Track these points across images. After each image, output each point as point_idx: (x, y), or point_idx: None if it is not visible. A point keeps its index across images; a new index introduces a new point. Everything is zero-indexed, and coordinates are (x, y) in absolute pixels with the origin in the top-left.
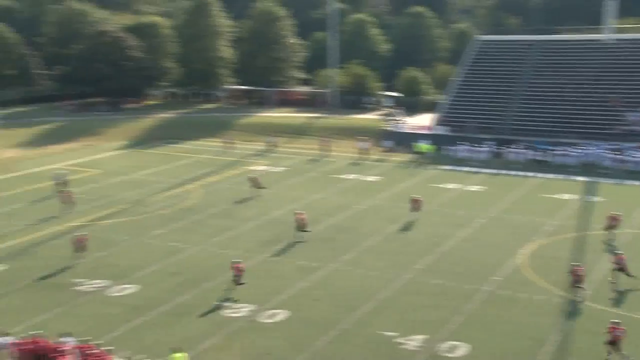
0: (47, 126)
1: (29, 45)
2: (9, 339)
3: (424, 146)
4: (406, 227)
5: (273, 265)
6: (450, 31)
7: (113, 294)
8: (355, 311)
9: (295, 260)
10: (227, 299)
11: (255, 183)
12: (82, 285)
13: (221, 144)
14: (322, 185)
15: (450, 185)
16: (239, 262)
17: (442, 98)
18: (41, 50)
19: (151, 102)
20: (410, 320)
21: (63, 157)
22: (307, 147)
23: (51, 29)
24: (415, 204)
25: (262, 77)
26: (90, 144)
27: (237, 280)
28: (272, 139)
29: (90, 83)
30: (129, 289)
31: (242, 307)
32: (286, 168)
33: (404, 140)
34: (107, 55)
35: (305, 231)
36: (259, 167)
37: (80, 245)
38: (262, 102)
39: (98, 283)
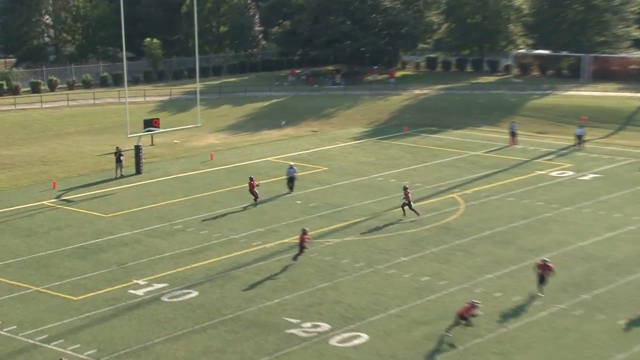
0: (260, 104)
1: None
2: None
3: None
4: None
5: (584, 325)
6: None
7: (335, 344)
8: None
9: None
10: None
11: None
12: (295, 327)
13: (498, 135)
14: None
15: None
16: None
17: None
18: (257, 2)
19: (404, 73)
20: None
21: (276, 148)
22: (636, 145)
23: None
24: None
25: (570, 37)
26: (316, 129)
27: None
28: (582, 131)
29: (320, 46)
30: (356, 338)
31: None
32: (598, 175)
33: None
34: (346, 5)
35: None
36: (560, 172)
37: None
38: (569, 75)
39: (316, 327)
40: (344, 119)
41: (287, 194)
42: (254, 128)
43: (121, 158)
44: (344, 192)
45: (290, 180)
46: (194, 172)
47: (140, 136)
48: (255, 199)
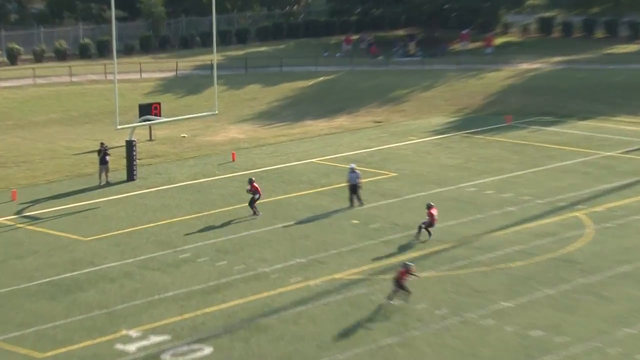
0: (301, 83)
1: None
2: None
3: None
4: None
5: None
6: None
7: None
8: None
9: None
10: None
11: None
12: None
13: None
14: None
15: None
16: None
17: None
18: None
19: (506, 40)
20: None
21: (324, 145)
22: None
23: None
24: None
25: None
26: (381, 119)
27: None
28: None
29: (387, 1)
30: None
31: None
32: None
33: None
34: None
35: None
36: None
37: None
38: None
39: None
40: (420, 104)
41: (348, 208)
42: (292, 117)
43: (107, 158)
44: (419, 209)
45: (353, 189)
46: (209, 179)
47: (134, 128)
48: (253, 211)
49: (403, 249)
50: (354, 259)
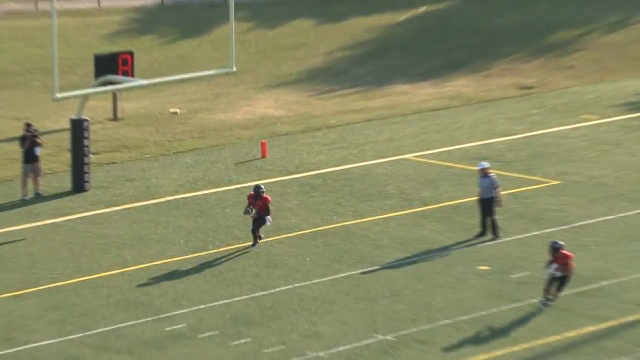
0: (377, 18)
1: None
2: None
3: None
4: None
5: None
6: None
7: None
8: None
9: None
10: None
11: None
12: None
13: None
14: None
15: None
16: None
17: None
18: None
19: None
20: None
21: (427, 128)
22: None
23: None
24: None
25: None
26: (531, 82)
27: None
28: None
29: None
30: None
31: None
32: None
33: None
34: None
35: None
36: None
37: None
38: None
39: None
40: (603, 56)
41: (475, 239)
42: (370, 79)
43: (37, 152)
44: (614, 249)
45: (486, 207)
46: (219, 190)
47: (85, 98)
48: (254, 240)
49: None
50: (485, 339)
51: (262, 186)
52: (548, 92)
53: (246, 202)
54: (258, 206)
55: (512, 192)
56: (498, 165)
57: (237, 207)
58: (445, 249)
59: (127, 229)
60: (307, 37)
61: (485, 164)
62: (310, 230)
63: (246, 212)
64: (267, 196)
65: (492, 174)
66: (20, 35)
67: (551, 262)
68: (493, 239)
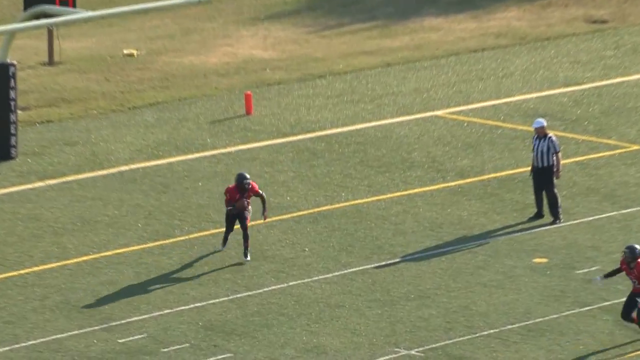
0: None
1: None
2: None
3: None
4: None
5: None
6: None
7: None
8: None
9: None
10: None
11: None
12: None
13: None
14: None
15: None
16: None
17: None
18: None
19: None
20: None
21: (458, 78)
22: None
23: None
24: None
25: None
26: (603, 16)
27: None
28: None
29: None
30: None
31: None
32: None
33: None
34: None
35: None
36: None
37: None
38: None
39: None
40: None
41: (530, 222)
42: (393, 9)
43: None
44: None
45: (542, 178)
46: (189, 157)
47: (11, 35)
48: (225, 240)
49: None
50: (542, 354)
51: (247, 175)
52: (627, 27)
53: (224, 197)
54: (245, 197)
55: (579, 161)
56: (559, 125)
57: (212, 180)
58: (490, 235)
59: (66, 209)
60: None
61: (543, 122)
62: (310, 211)
63: (232, 207)
64: (254, 183)
65: (551, 135)
66: None
67: (616, 272)
68: (552, 223)
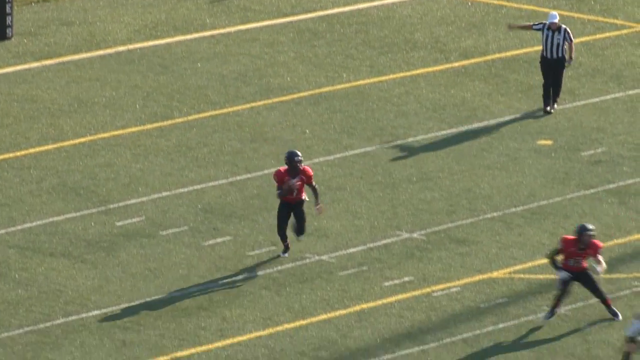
0: None
1: None
2: None
3: None
4: None
5: None
6: None
7: None
8: None
9: None
10: None
11: None
12: None
13: None
14: None
15: None
16: None
17: None
18: None
19: None
20: None
21: None
22: None
23: None
24: None
25: None
26: None
27: None
28: None
29: None
30: None
31: None
32: None
33: None
34: None
35: None
36: None
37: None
38: None
39: None
40: None
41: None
42: None
43: None
44: None
45: (554, 67)
46: (187, 37)
47: None
48: (283, 241)
49: None
50: (546, 237)
51: (298, 152)
52: None
53: (274, 181)
54: (297, 184)
55: (584, 41)
56: (565, 4)
57: (211, 61)
58: (494, 117)
59: (63, 90)
60: None
61: (557, 15)
62: (311, 92)
63: (283, 191)
64: (308, 168)
65: (565, 27)
66: None
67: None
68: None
